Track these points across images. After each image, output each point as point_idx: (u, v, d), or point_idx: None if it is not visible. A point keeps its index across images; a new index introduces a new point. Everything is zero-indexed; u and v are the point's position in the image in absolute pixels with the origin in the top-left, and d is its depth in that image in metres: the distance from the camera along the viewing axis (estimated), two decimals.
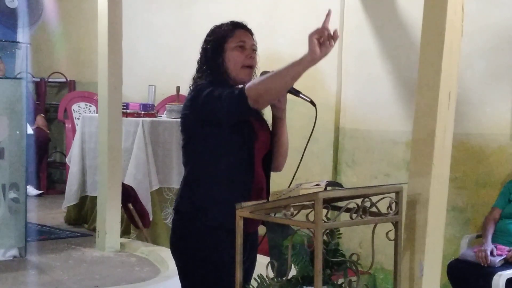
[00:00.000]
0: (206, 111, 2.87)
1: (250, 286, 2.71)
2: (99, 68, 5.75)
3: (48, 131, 8.57)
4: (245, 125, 2.90)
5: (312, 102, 2.90)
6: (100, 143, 5.81)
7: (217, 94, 2.83)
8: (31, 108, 7.77)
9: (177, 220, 3.04)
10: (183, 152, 3.03)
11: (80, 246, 5.93)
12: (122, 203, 5.84)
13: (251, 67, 2.99)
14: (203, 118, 2.90)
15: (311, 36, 2.70)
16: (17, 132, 5.35)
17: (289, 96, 2.98)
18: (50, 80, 9.24)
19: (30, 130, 7.28)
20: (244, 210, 2.67)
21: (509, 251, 4.96)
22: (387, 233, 2.72)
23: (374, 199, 2.64)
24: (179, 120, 3.04)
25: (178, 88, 6.84)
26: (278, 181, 3.06)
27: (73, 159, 6.83)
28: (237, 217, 2.68)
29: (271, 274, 2.68)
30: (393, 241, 2.75)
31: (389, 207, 2.69)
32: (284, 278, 2.62)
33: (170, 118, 6.50)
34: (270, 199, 2.70)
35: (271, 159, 3.06)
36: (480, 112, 5.53)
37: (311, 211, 2.47)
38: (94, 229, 6.15)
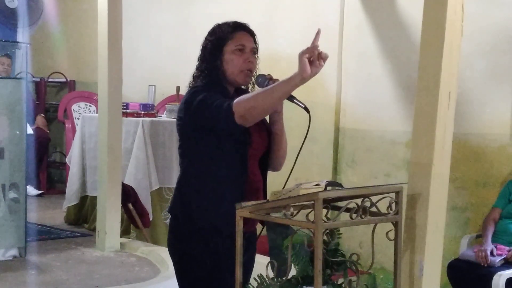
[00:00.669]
0: (197, 117, 2.88)
1: (250, 286, 2.71)
2: (99, 68, 5.75)
3: (48, 131, 8.57)
4: (240, 128, 2.89)
5: (306, 109, 2.90)
6: (100, 143, 5.81)
7: (210, 102, 2.83)
8: (31, 108, 7.78)
9: (171, 221, 3.08)
10: (179, 154, 3.06)
11: (80, 246, 5.93)
12: (122, 203, 5.84)
13: (249, 70, 2.98)
14: (195, 123, 2.91)
15: (301, 55, 2.68)
16: (17, 132, 5.35)
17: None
18: (50, 80, 9.24)
19: (30, 130, 7.28)
20: (244, 210, 2.67)
21: (509, 251, 4.96)
22: (387, 233, 2.72)
23: (374, 199, 2.63)
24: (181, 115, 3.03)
25: (178, 88, 6.84)
26: (278, 181, 3.06)
27: (73, 159, 6.83)
28: (237, 217, 2.69)
29: (271, 274, 2.68)
30: (393, 241, 2.75)
31: (389, 207, 2.69)
32: (284, 278, 2.62)
33: (170, 118, 6.50)
34: (270, 199, 2.70)
35: (267, 159, 3.07)
36: (480, 112, 5.54)
37: (311, 211, 2.47)
38: (94, 229, 6.15)
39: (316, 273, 2.45)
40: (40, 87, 9.19)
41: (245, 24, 3.05)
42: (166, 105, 6.89)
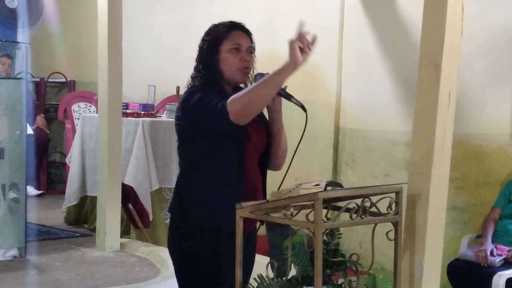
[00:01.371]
0: (194, 117, 2.91)
1: (250, 286, 2.71)
2: (99, 68, 5.75)
3: (48, 131, 8.57)
4: (237, 127, 2.90)
5: (303, 107, 2.91)
6: (100, 143, 5.81)
7: (206, 102, 2.85)
8: (31, 108, 7.78)
9: (170, 220, 3.10)
10: (178, 153, 3.07)
11: (80, 246, 5.93)
12: (122, 203, 5.84)
13: (246, 68, 2.98)
14: (192, 123, 2.94)
15: (293, 43, 2.69)
16: (17, 132, 5.35)
17: None
18: (50, 80, 9.24)
19: (30, 130, 7.29)
20: (244, 210, 2.67)
21: (509, 251, 4.96)
22: (387, 233, 2.72)
23: (374, 199, 2.64)
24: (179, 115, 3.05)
25: (178, 88, 6.84)
26: (278, 181, 3.06)
27: (73, 159, 6.83)
28: (237, 217, 2.69)
29: (271, 274, 2.68)
30: (393, 241, 2.75)
31: (389, 207, 2.70)
32: (284, 278, 2.62)
33: (170, 118, 6.49)
34: (270, 199, 2.70)
35: (267, 157, 3.07)
36: (480, 112, 5.53)
37: (311, 211, 2.47)
38: (94, 229, 6.15)
39: (316, 273, 2.45)
40: (40, 87, 9.19)
41: (240, 23, 3.05)
42: (166, 105, 6.89)
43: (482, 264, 4.90)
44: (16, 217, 5.32)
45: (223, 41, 2.98)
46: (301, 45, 2.69)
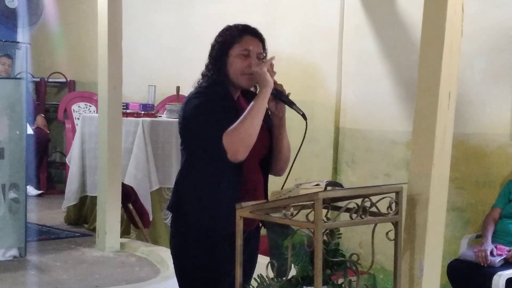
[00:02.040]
0: (194, 133, 2.97)
1: (250, 286, 2.71)
2: (99, 68, 5.75)
3: (48, 131, 8.57)
4: None
5: (303, 115, 2.91)
6: (100, 143, 5.81)
7: (209, 125, 2.89)
8: (31, 108, 7.78)
9: (171, 218, 3.13)
10: (180, 151, 3.10)
11: (80, 246, 5.93)
12: (122, 203, 5.84)
13: (252, 74, 2.98)
14: (191, 133, 2.99)
15: (263, 70, 2.88)
16: (17, 132, 5.35)
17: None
18: (50, 80, 9.24)
19: (30, 130, 7.28)
20: (244, 210, 2.67)
21: (509, 251, 4.96)
22: (387, 233, 2.72)
23: (374, 199, 2.63)
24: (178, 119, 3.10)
25: (178, 88, 6.84)
26: (278, 181, 3.06)
27: (73, 159, 6.83)
28: (237, 217, 2.69)
29: (271, 274, 2.68)
30: (393, 241, 2.75)
31: (389, 207, 2.69)
32: (284, 278, 2.62)
33: (170, 118, 6.50)
34: (270, 199, 2.71)
35: (269, 161, 3.07)
36: (480, 112, 5.53)
37: (311, 211, 2.47)
38: (94, 229, 6.15)
39: (316, 273, 2.45)
40: (40, 87, 9.19)
41: (254, 28, 3.06)
42: (166, 105, 6.89)
43: (482, 264, 4.90)
44: (16, 217, 5.32)
45: (234, 45, 2.99)
46: (269, 69, 2.90)
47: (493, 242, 5.05)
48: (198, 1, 7.76)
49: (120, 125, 5.82)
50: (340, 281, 2.67)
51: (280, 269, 2.65)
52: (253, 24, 3.12)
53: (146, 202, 6.17)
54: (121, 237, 5.88)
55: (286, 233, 2.70)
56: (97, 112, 6.23)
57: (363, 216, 2.60)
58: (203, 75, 3.06)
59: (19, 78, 6.16)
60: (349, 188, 2.74)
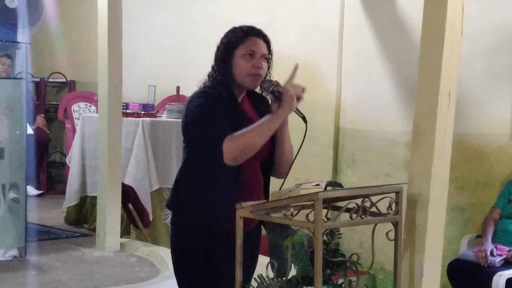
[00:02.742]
0: (193, 133, 3.00)
1: (249, 286, 2.71)
2: (99, 68, 5.75)
3: (48, 131, 8.57)
4: (235, 130, 2.91)
5: (304, 119, 2.91)
6: (100, 143, 5.81)
7: (205, 136, 2.91)
8: (31, 108, 7.78)
9: (171, 216, 3.16)
10: (182, 149, 3.11)
11: (80, 246, 5.93)
12: (122, 203, 5.84)
13: (256, 75, 2.99)
14: (191, 133, 3.02)
15: (290, 92, 2.89)
16: (17, 132, 5.34)
17: None
18: (50, 80, 9.24)
19: (30, 130, 7.28)
20: (244, 210, 2.67)
21: (509, 251, 4.96)
22: (387, 233, 2.72)
23: (374, 199, 2.64)
24: (180, 120, 3.12)
25: (178, 88, 6.84)
26: (279, 181, 3.06)
27: (73, 159, 6.83)
28: (237, 217, 2.69)
29: (271, 274, 2.68)
30: (393, 241, 2.75)
31: (389, 207, 2.70)
32: (284, 278, 2.62)
33: (170, 118, 6.50)
34: (270, 199, 2.71)
35: (271, 163, 3.08)
36: (480, 112, 5.53)
37: (311, 211, 2.48)
38: (94, 229, 6.15)
39: (316, 273, 2.45)
40: (40, 87, 9.19)
41: (259, 29, 3.06)
42: (166, 105, 6.88)
43: (482, 264, 4.90)
44: (16, 217, 5.32)
45: (238, 46, 3.00)
46: (298, 94, 2.89)
47: (493, 242, 5.05)
48: (198, 1, 7.76)
49: (120, 125, 5.82)
50: (340, 281, 2.67)
51: (280, 269, 2.65)
52: (253, 24, 3.12)
53: (146, 202, 6.17)
54: (121, 237, 5.88)
55: (286, 233, 2.71)
56: (97, 112, 6.23)
57: (363, 216, 2.60)
58: (209, 75, 3.07)
59: (19, 78, 6.16)
60: (349, 188, 2.74)
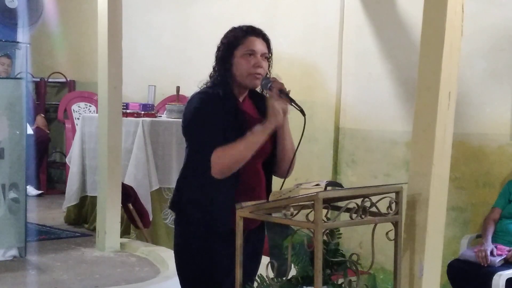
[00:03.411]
0: (188, 135, 3.05)
1: (249, 286, 2.71)
2: (99, 68, 5.74)
3: (48, 131, 8.57)
4: (234, 129, 2.94)
5: (302, 111, 2.91)
6: (100, 143, 5.81)
7: (199, 146, 2.96)
8: (31, 108, 7.78)
9: (175, 217, 3.18)
10: (185, 152, 3.14)
11: (80, 246, 5.92)
12: (122, 203, 5.84)
13: (257, 74, 3.00)
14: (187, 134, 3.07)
15: (277, 108, 2.89)
16: (17, 132, 5.34)
17: None
18: (50, 80, 9.24)
19: (30, 130, 7.28)
20: (244, 210, 2.67)
21: (509, 251, 4.96)
22: (387, 233, 2.72)
23: (374, 199, 2.64)
24: (180, 120, 3.14)
25: (178, 88, 6.84)
26: (279, 181, 3.06)
27: (73, 159, 6.83)
28: (237, 217, 2.69)
29: (271, 274, 2.68)
30: (393, 241, 2.75)
31: (389, 207, 2.70)
32: (284, 278, 2.62)
33: (170, 118, 6.50)
34: (270, 199, 2.71)
35: (273, 162, 3.08)
36: (480, 112, 5.53)
37: (311, 211, 2.48)
38: (94, 229, 6.15)
39: (316, 273, 2.45)
40: (40, 87, 9.18)
41: (259, 29, 3.08)
42: (166, 105, 6.88)
43: (482, 264, 4.90)
44: (16, 217, 5.32)
45: (238, 46, 3.01)
46: (284, 107, 2.89)
47: (493, 242, 5.05)
48: (198, 1, 7.76)
49: (120, 125, 5.82)
50: (340, 281, 2.67)
51: (280, 269, 2.65)
52: (253, 24, 3.12)
53: (146, 202, 6.17)
54: (121, 237, 5.88)
55: (286, 233, 2.71)
56: (97, 112, 6.23)
57: (363, 216, 2.60)
58: (210, 76, 3.09)
59: (19, 78, 6.15)
60: (349, 188, 2.75)
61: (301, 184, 2.68)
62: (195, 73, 3.21)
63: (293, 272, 2.66)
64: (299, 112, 2.93)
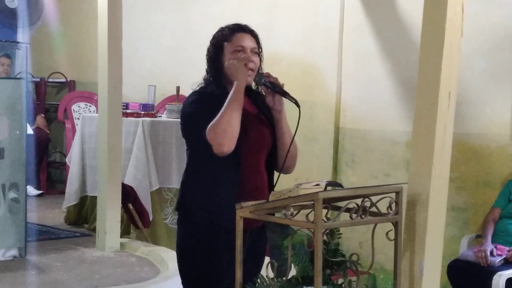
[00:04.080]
0: (185, 132, 3.07)
1: (250, 286, 2.71)
2: (99, 68, 5.74)
3: (48, 131, 8.56)
4: None
5: (296, 103, 2.92)
6: (100, 143, 5.81)
7: (196, 121, 2.95)
8: (31, 108, 7.77)
9: (178, 217, 3.17)
10: (186, 154, 3.14)
11: (80, 246, 5.92)
12: (122, 203, 5.84)
13: (250, 70, 3.01)
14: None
15: (236, 63, 2.95)
16: (17, 132, 5.34)
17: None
18: (50, 80, 9.24)
19: (30, 130, 7.28)
20: (244, 210, 2.67)
21: (509, 251, 4.96)
22: (387, 233, 2.72)
23: (374, 199, 2.64)
24: (179, 120, 3.14)
25: (178, 88, 6.84)
26: (281, 180, 3.06)
27: (73, 159, 6.82)
28: (237, 217, 2.69)
29: (271, 274, 2.68)
30: (393, 241, 2.75)
31: (389, 207, 2.70)
32: (284, 278, 2.62)
33: (170, 118, 6.49)
34: (270, 199, 2.71)
35: (274, 158, 3.08)
36: (480, 112, 5.54)
37: (311, 211, 2.47)
38: (94, 229, 6.15)
39: (316, 273, 2.45)
40: (40, 87, 9.18)
41: (245, 25, 3.09)
42: (166, 105, 6.88)
43: (482, 264, 4.90)
44: (16, 217, 5.32)
45: (227, 44, 3.03)
46: (245, 60, 2.95)
47: (493, 242, 5.05)
48: (198, 1, 7.76)
49: (120, 125, 5.82)
50: (340, 281, 2.67)
51: (280, 269, 2.65)
52: (253, 24, 3.13)
53: (146, 202, 6.17)
54: (121, 237, 5.88)
55: (286, 233, 2.71)
56: (97, 112, 6.23)
57: (363, 216, 2.60)
58: (204, 79, 3.10)
59: (19, 78, 6.15)
60: (349, 188, 2.74)
61: (301, 184, 2.68)
62: (195, 73, 3.20)
63: (293, 272, 2.66)
64: (297, 111, 2.93)
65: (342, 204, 2.65)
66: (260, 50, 3.08)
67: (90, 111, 8.49)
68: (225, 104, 2.90)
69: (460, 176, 5.54)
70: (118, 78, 5.73)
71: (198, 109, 2.96)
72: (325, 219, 2.50)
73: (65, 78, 9.22)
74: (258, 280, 2.68)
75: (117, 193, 5.74)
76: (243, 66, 2.93)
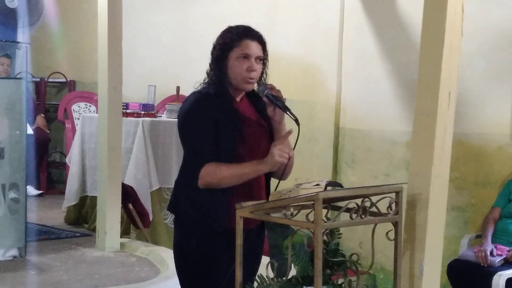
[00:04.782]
0: (182, 138, 3.06)
1: (249, 286, 2.71)
2: (99, 68, 5.74)
3: (48, 131, 8.56)
4: (229, 129, 2.95)
5: (296, 121, 2.90)
6: (100, 143, 5.81)
7: (197, 143, 2.96)
8: (31, 108, 7.77)
9: (174, 218, 3.20)
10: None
11: (80, 246, 5.92)
12: (122, 203, 5.84)
13: (251, 79, 3.00)
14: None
15: (275, 160, 2.89)
16: (17, 132, 5.34)
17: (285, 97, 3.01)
18: (50, 80, 9.24)
19: (30, 130, 7.28)
20: (244, 210, 2.67)
21: (509, 251, 4.96)
22: (387, 233, 2.72)
23: (374, 199, 2.64)
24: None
25: (178, 88, 6.84)
26: (276, 181, 3.06)
27: (73, 159, 6.82)
28: (237, 217, 2.69)
29: (271, 274, 2.68)
30: (393, 241, 2.75)
31: (389, 207, 2.70)
32: (284, 278, 2.62)
33: (170, 118, 6.49)
34: (270, 199, 2.71)
35: None
36: (480, 112, 5.54)
37: (311, 211, 2.47)
38: (94, 229, 6.14)
39: (316, 273, 2.45)
40: (40, 87, 9.18)
41: (255, 31, 3.06)
42: (166, 105, 6.88)
43: (482, 264, 4.90)
44: (16, 217, 5.32)
45: (233, 48, 3.00)
46: (284, 156, 2.87)
47: (493, 242, 5.05)
48: (198, 1, 7.76)
49: (120, 125, 5.82)
50: (340, 281, 2.67)
51: (280, 269, 2.65)
52: (253, 24, 3.12)
53: (146, 202, 6.17)
54: (121, 237, 5.88)
55: (286, 233, 2.71)
56: (97, 112, 6.23)
57: (363, 216, 2.60)
58: (207, 73, 3.09)
59: (19, 78, 6.16)
60: (349, 188, 2.74)
61: (301, 184, 2.68)
62: (195, 73, 3.20)
63: (293, 272, 2.66)
64: (297, 112, 2.93)
65: (342, 204, 2.65)
66: (266, 56, 3.06)
67: (90, 111, 8.48)
68: (239, 167, 2.91)
69: (460, 176, 5.54)
70: (118, 78, 5.73)
71: (196, 116, 2.96)
72: (325, 219, 2.50)
73: (65, 78, 9.22)
74: (258, 280, 2.68)
75: (117, 193, 5.74)
76: (278, 158, 2.87)
